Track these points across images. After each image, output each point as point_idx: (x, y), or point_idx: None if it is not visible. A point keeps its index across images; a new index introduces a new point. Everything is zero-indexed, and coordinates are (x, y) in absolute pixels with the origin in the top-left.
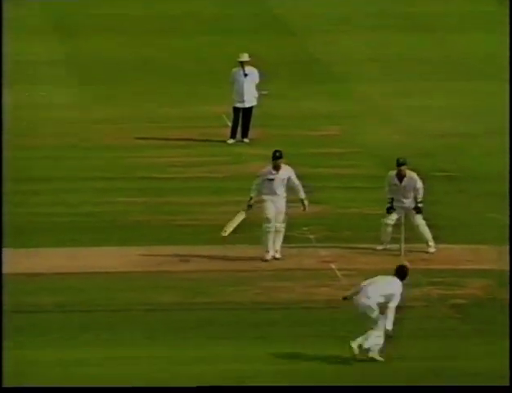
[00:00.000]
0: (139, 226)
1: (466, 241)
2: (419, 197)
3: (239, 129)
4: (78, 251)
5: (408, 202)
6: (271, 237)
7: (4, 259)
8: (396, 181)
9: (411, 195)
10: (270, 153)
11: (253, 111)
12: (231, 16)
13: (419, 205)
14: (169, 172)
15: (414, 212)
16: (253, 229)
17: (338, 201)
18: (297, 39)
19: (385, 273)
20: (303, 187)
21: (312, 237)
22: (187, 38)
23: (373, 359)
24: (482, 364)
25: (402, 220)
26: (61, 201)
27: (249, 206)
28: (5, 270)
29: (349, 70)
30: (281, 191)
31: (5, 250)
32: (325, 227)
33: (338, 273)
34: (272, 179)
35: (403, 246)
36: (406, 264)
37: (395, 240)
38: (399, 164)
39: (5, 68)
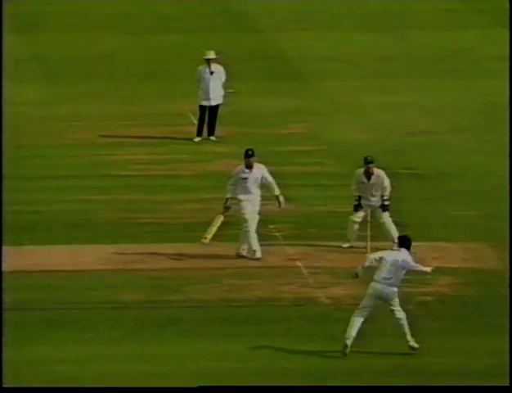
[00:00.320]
0: (104, 224)
1: (432, 238)
2: (386, 195)
3: (205, 127)
4: (44, 250)
5: (375, 200)
6: (252, 235)
7: None
8: (364, 179)
9: (379, 193)
10: (236, 151)
11: (220, 109)
12: (195, 14)
13: (386, 202)
14: (134, 170)
15: (381, 210)
16: (220, 227)
17: (304, 198)
18: (263, 37)
19: (352, 271)
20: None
21: (278, 234)
22: (153, 36)
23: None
24: (447, 361)
25: (369, 218)
26: (24, 200)
27: (226, 208)
28: None
29: (315, 67)
30: (256, 190)
31: None
32: (292, 225)
33: (304, 270)
34: (246, 178)
35: (369, 243)
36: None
37: (362, 237)
38: (367, 162)
39: None
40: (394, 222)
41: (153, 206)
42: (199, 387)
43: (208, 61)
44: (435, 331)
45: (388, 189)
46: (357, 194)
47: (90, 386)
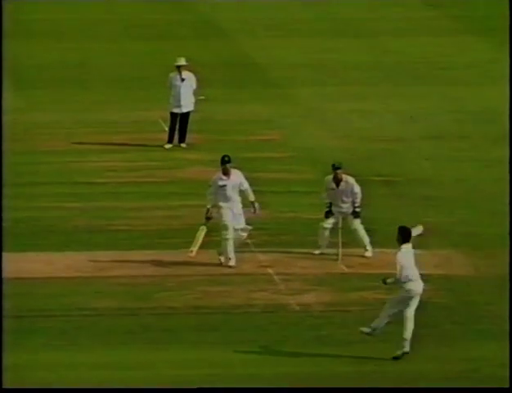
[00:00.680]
0: (76, 231)
1: None
2: (357, 202)
3: (176, 134)
4: (16, 257)
5: (346, 207)
6: (230, 243)
7: None
8: (333, 185)
9: (349, 199)
10: (207, 158)
11: (191, 116)
12: (167, 21)
13: (357, 209)
14: (105, 176)
15: (352, 216)
16: (190, 234)
17: (276, 205)
18: (234, 44)
19: (323, 278)
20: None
21: (250, 241)
22: (123, 43)
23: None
24: (418, 368)
25: (340, 224)
26: None
27: (208, 219)
28: None
29: (286, 74)
30: (235, 197)
31: None
32: (264, 231)
33: (276, 277)
34: (224, 185)
35: (341, 250)
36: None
37: (333, 244)
38: (334, 168)
39: None
40: (365, 229)
41: (124, 213)
42: (200, 388)
43: (179, 68)
44: None
45: (359, 196)
46: (328, 201)
47: (90, 387)
